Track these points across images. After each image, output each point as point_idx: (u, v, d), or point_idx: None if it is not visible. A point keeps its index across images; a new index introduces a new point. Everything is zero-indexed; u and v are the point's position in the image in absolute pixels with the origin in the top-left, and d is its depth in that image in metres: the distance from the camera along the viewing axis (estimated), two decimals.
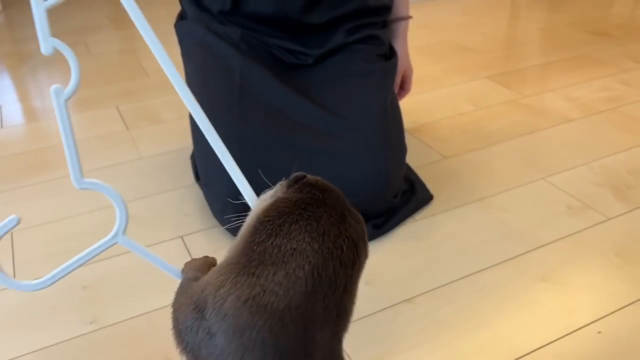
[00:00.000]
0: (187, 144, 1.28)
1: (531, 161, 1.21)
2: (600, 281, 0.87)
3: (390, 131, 1.01)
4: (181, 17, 1.19)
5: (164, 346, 0.77)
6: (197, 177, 1.14)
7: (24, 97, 1.58)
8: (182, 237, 0.99)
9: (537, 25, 2.16)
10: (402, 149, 1.04)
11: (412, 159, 1.16)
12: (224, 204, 0.96)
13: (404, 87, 1.23)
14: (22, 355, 0.76)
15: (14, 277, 0.88)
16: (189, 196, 1.11)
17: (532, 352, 0.75)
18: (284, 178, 0.51)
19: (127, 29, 2.18)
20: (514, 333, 0.78)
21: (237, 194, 0.59)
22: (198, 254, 0.94)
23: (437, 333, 0.79)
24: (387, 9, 1.11)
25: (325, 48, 1.06)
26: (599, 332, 0.78)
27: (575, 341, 0.77)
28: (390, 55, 1.12)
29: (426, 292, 0.86)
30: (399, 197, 1.02)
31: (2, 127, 1.41)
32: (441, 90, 1.58)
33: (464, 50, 1.88)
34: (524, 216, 1.03)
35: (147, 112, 1.47)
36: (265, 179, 0.57)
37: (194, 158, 1.16)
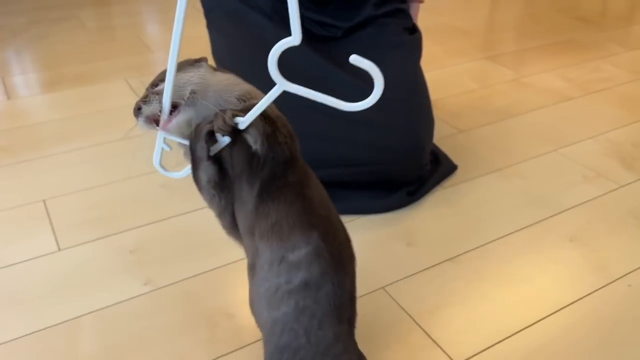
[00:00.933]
0: None
1: (542, 135, 1.27)
2: (623, 240, 0.94)
3: (421, 101, 1.05)
4: None
5: (222, 304, 0.79)
6: None
7: (24, 70, 1.54)
8: None
9: (525, 10, 2.23)
10: (431, 118, 1.07)
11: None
12: None
13: None
14: (82, 316, 0.77)
15: (57, 245, 0.88)
16: None
17: (571, 303, 0.81)
18: None
19: (117, 5, 2.14)
20: (553, 287, 0.84)
21: None
22: None
23: (483, 288, 0.84)
24: (401, 10, 1.13)
25: (354, 21, 1.08)
26: (629, 285, 0.84)
27: (608, 294, 0.83)
28: (414, 29, 1.15)
29: (466, 252, 0.91)
30: (429, 167, 1.07)
31: (8, 98, 1.38)
32: (445, 69, 1.63)
33: (460, 32, 1.94)
34: (543, 184, 1.09)
35: None
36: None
37: None
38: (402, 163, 0.98)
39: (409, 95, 1.02)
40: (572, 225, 0.98)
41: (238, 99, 0.55)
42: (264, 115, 0.52)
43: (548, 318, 0.78)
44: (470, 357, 0.72)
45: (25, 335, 0.74)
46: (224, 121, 0.51)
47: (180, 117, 0.54)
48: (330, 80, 1.01)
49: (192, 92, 0.54)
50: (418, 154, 1.00)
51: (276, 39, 0.94)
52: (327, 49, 1.07)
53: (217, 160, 0.55)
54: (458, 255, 0.90)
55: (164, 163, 0.60)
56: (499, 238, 0.94)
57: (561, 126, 1.31)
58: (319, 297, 0.55)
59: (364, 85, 1.04)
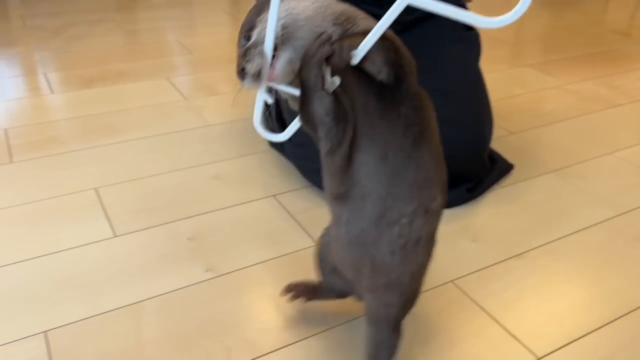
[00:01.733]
0: (249, 112, 1.28)
1: (594, 138, 1.24)
2: None
3: (482, 97, 1.03)
4: None
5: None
6: (284, 143, 1.14)
7: (65, 67, 1.54)
8: (274, 195, 0.98)
9: (560, 23, 2.22)
10: (491, 115, 1.05)
11: None
12: (317, 162, 0.95)
13: None
14: (145, 300, 0.74)
15: (113, 231, 0.86)
16: (270, 160, 1.10)
17: None
18: None
19: (153, 10, 2.16)
20: (626, 286, 0.81)
21: None
22: (295, 211, 0.94)
23: (556, 284, 0.80)
24: None
25: (413, 15, 1.07)
26: None
27: None
28: (471, 28, 1.13)
29: (533, 248, 0.88)
30: (487, 164, 1.04)
31: (52, 92, 1.37)
32: (487, 75, 1.61)
33: (498, 41, 1.92)
34: (603, 184, 1.06)
35: (201, 84, 1.46)
36: None
37: (278, 119, 1.15)
38: (464, 157, 0.95)
39: (472, 90, 1.01)
40: (638, 226, 0.94)
41: (334, 24, 0.50)
42: (382, 38, 0.47)
43: (627, 316, 0.75)
44: (552, 352, 0.69)
45: (88, 317, 0.71)
46: (342, 56, 0.47)
47: (281, 60, 0.50)
48: None
49: (284, 27, 0.50)
50: (480, 149, 0.98)
51: None
52: None
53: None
54: (525, 252, 0.87)
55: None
56: (565, 236, 0.91)
57: (613, 130, 1.29)
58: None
59: (425, 80, 1.03)
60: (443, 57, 1.02)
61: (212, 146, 1.14)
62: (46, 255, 0.82)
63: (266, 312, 0.73)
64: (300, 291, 0.72)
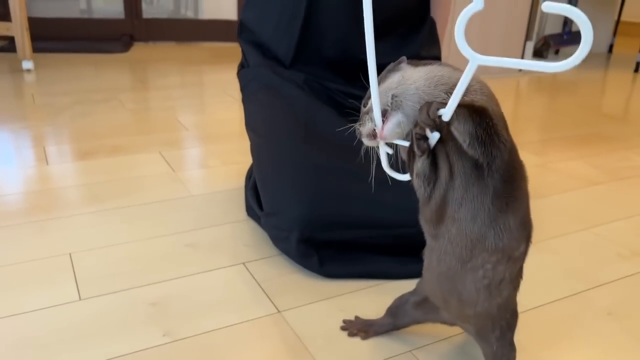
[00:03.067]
0: (236, 185, 1.31)
1: (572, 214, 1.25)
2: None
3: None
4: (242, 66, 1.27)
5: (241, 358, 0.76)
6: (249, 210, 1.16)
7: (64, 141, 1.61)
8: (243, 263, 0.99)
9: (548, 106, 2.29)
10: None
11: None
12: (286, 230, 0.97)
13: None
14: None
15: (79, 294, 0.87)
16: (245, 229, 1.12)
17: None
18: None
19: (157, 90, 2.27)
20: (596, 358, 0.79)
21: (306, 220, 0.70)
22: (263, 279, 0.94)
23: (522, 357, 0.78)
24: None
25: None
26: None
27: None
28: None
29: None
30: None
31: (47, 164, 1.43)
32: None
33: None
34: (577, 259, 1.06)
35: (191, 158, 1.51)
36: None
37: (248, 191, 1.18)
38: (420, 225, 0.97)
39: None
40: (610, 299, 0.93)
41: (445, 92, 0.57)
42: (468, 107, 0.53)
43: None
44: None
45: None
46: (428, 114, 0.53)
47: (390, 124, 0.60)
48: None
49: (394, 97, 0.60)
50: None
51: (308, 108, 1.03)
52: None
53: (435, 155, 0.58)
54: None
55: None
56: (534, 308, 0.90)
57: (592, 208, 1.29)
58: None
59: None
60: None
61: (192, 215, 1.17)
62: (9, 316, 0.83)
63: None
64: (358, 327, 0.81)
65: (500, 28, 2.76)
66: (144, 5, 3.38)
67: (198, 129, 1.78)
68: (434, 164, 0.58)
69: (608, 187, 1.42)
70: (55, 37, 3.17)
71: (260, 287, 0.93)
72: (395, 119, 0.60)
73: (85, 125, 1.76)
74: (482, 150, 0.54)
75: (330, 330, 0.83)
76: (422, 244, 0.98)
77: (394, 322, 0.79)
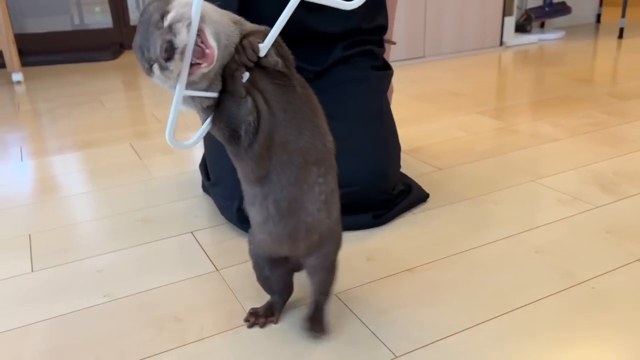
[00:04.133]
0: (195, 167, 1.37)
1: (521, 169, 1.27)
2: (592, 250, 0.91)
3: (385, 129, 1.09)
4: None
5: (175, 310, 0.81)
6: (203, 186, 1.21)
7: (40, 140, 1.68)
8: (192, 232, 1.04)
9: (525, 75, 2.30)
10: (397, 146, 1.11)
11: (408, 171, 1.23)
12: (229, 199, 1.02)
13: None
14: (38, 322, 0.79)
15: (32, 269, 0.93)
16: (199, 204, 1.17)
17: (528, 304, 0.78)
18: None
19: (139, 90, 2.34)
20: (509, 290, 0.81)
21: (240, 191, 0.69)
22: (207, 244, 0.99)
23: (433, 293, 0.82)
24: (384, 27, 1.20)
25: (325, 65, 1.15)
26: (593, 288, 0.81)
27: (572, 295, 0.80)
28: (384, 68, 1.20)
29: (425, 264, 0.90)
30: (397, 194, 1.08)
31: (22, 160, 1.50)
32: (435, 123, 1.68)
33: (456, 95, 2.01)
34: (516, 207, 1.08)
35: (158, 147, 1.56)
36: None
37: (203, 165, 1.23)
38: (366, 185, 1.00)
39: (372, 123, 1.07)
40: (541, 239, 0.96)
41: (233, 22, 0.59)
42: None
43: (497, 318, 0.76)
44: (411, 351, 0.70)
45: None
46: (252, 49, 0.56)
47: (209, 35, 0.53)
48: None
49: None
50: (381, 176, 1.03)
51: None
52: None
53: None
54: (416, 267, 0.89)
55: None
56: (461, 252, 0.93)
57: (544, 162, 1.32)
58: None
59: (330, 120, 1.08)
60: (346, 95, 1.09)
61: (150, 195, 1.22)
62: None
63: (148, 328, 0.77)
64: (261, 315, 0.77)
65: (476, 5, 2.78)
66: (131, 14, 3.47)
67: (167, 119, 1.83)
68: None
69: (564, 143, 1.44)
70: (48, 50, 3.27)
71: (204, 250, 0.97)
72: (209, 30, 0.54)
73: (63, 126, 1.83)
74: (287, 64, 0.60)
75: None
76: (361, 203, 1.02)
77: (278, 297, 0.78)
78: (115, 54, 3.23)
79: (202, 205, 1.16)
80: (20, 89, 2.46)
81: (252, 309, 0.78)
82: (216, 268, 0.92)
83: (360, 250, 0.95)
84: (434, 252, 0.93)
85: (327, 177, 0.63)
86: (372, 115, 1.09)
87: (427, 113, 1.77)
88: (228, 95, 0.58)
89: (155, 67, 0.55)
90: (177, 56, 0.52)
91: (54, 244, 1.03)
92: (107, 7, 3.48)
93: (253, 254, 0.74)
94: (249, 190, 0.65)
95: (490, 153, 1.38)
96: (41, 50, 3.26)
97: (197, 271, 0.91)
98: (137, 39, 0.56)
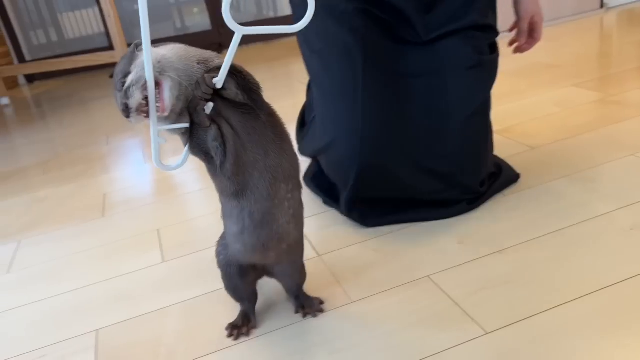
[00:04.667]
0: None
1: (621, 142, 1.24)
2: None
3: (488, 121, 1.09)
4: None
5: (284, 292, 0.91)
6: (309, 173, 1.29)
7: None
8: None
9: (629, 39, 2.17)
10: (492, 135, 1.12)
11: (499, 152, 1.24)
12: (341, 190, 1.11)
13: (533, 36, 1.16)
14: (171, 305, 0.93)
15: (163, 260, 1.07)
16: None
17: (621, 281, 0.79)
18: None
19: None
20: (604, 269, 0.83)
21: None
22: (309, 232, 1.08)
23: (523, 272, 0.85)
24: (493, 29, 1.09)
25: (441, 30, 1.03)
26: None
27: None
28: (494, 49, 1.10)
29: (516, 244, 0.93)
30: (487, 180, 1.10)
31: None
32: (528, 99, 1.65)
33: (552, 68, 1.95)
34: (613, 183, 1.07)
35: None
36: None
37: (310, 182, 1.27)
38: (464, 176, 1.04)
39: (478, 115, 1.05)
40: (637, 216, 0.95)
41: (198, 62, 0.65)
42: (231, 71, 0.64)
43: (590, 295, 0.78)
44: (501, 328, 0.75)
45: (132, 318, 0.92)
46: (207, 84, 0.63)
47: (166, 89, 0.62)
48: (414, 87, 1.03)
49: (158, 62, 0.62)
50: (476, 176, 1.06)
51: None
52: (409, 53, 1.04)
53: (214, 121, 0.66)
54: (506, 249, 0.92)
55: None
56: (554, 231, 0.95)
57: None
58: None
59: (437, 100, 1.01)
60: (457, 81, 1.02)
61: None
62: (114, 278, 1.06)
63: (264, 307, 0.88)
64: (241, 325, 0.84)
65: None
66: None
67: None
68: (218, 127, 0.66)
69: None
70: None
71: (306, 238, 1.07)
72: (167, 83, 0.62)
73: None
74: (249, 95, 0.66)
75: (359, 266, 0.95)
76: (455, 198, 1.04)
77: (248, 303, 0.85)
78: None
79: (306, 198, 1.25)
80: None
81: (229, 324, 0.85)
82: (318, 254, 1.01)
83: (451, 235, 1.00)
84: (525, 233, 0.96)
85: (295, 193, 0.72)
86: (479, 105, 1.05)
87: (520, 89, 1.75)
88: (196, 125, 0.66)
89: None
90: (132, 114, 0.63)
91: (179, 237, 1.18)
92: (204, 7, 3.70)
93: (223, 264, 0.81)
94: (226, 204, 0.73)
95: (587, 128, 1.35)
96: None
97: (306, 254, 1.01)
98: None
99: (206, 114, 0.65)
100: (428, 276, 0.89)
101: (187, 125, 0.67)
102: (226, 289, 0.84)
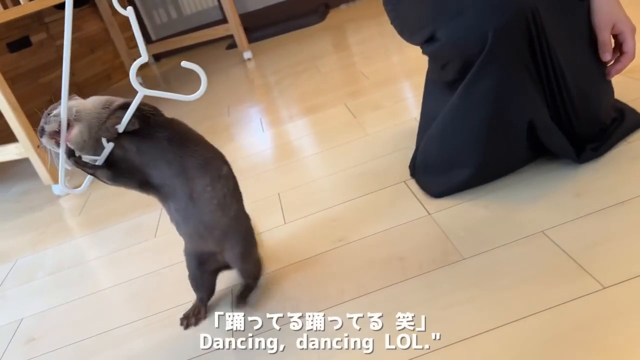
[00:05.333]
0: (404, 119, 1.49)
1: None
2: None
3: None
4: None
5: (397, 250, 0.96)
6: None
7: (274, 111, 1.99)
8: (404, 181, 1.18)
9: None
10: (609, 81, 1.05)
11: (621, 95, 1.16)
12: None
13: (622, 50, 0.99)
14: (291, 264, 1.02)
15: (284, 221, 1.16)
16: (407, 156, 1.29)
17: None
18: None
19: (347, 50, 2.53)
20: None
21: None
22: (418, 192, 1.11)
23: None
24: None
25: None
26: None
27: None
28: None
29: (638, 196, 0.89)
30: (610, 124, 1.05)
31: (263, 131, 1.81)
32: None
33: None
34: None
35: (369, 104, 1.73)
36: None
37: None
38: (584, 118, 1.00)
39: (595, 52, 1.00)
40: None
41: (103, 108, 0.81)
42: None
43: None
44: (619, 283, 0.73)
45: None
46: (109, 132, 0.79)
47: (75, 130, 0.78)
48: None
49: (77, 112, 0.79)
50: (598, 109, 1.01)
51: None
52: None
53: (109, 161, 0.81)
54: (627, 200, 0.88)
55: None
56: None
57: None
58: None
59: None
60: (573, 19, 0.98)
61: (365, 150, 1.39)
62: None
63: (377, 265, 0.94)
64: (191, 316, 0.96)
65: None
66: None
67: (376, 76, 1.98)
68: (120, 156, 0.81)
69: None
70: (265, 24, 3.68)
71: (416, 197, 1.10)
72: (78, 127, 0.78)
73: (290, 95, 2.12)
74: (145, 122, 0.80)
75: (469, 223, 0.97)
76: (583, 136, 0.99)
77: (202, 294, 0.96)
78: (322, 16, 3.48)
79: (410, 157, 1.28)
80: (251, 65, 2.85)
81: (182, 315, 0.96)
82: (428, 212, 1.04)
83: (568, 187, 0.97)
84: None
85: (216, 184, 0.83)
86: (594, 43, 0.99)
87: None
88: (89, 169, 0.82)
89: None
90: (44, 137, 0.80)
91: (298, 199, 1.27)
92: None
93: (185, 255, 0.94)
94: (164, 207, 0.88)
95: None
96: (260, 25, 3.68)
97: (412, 216, 1.04)
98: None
99: (107, 154, 0.81)
100: (542, 231, 0.88)
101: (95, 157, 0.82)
102: (188, 278, 0.96)
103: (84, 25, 3.31)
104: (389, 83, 1.84)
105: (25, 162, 1.84)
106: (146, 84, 3.17)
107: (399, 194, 1.14)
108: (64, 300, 1.16)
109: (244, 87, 2.47)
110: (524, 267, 0.83)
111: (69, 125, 0.79)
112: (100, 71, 3.35)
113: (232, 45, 3.30)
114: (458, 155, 1.05)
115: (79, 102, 0.82)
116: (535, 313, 0.74)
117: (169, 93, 0.80)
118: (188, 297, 0.99)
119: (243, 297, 0.94)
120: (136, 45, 3.49)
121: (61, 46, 3.14)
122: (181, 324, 0.96)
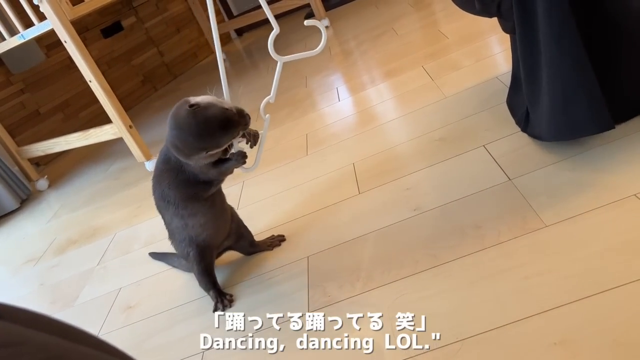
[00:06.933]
0: (486, 77, 1.41)
1: None
2: None
3: None
4: None
5: (474, 218, 0.92)
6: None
7: (350, 79, 1.96)
8: (484, 145, 1.12)
9: None
10: None
11: None
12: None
13: None
14: (368, 233, 1.02)
15: (359, 192, 1.15)
16: (488, 117, 1.23)
17: None
18: None
19: (427, 8, 2.43)
20: None
21: None
22: (498, 155, 1.06)
23: None
24: None
25: None
26: None
27: None
28: None
29: None
30: None
31: (339, 100, 1.79)
32: None
33: None
34: None
35: (448, 64, 1.65)
36: None
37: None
38: None
39: None
40: None
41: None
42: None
43: None
44: None
45: (337, 244, 1.03)
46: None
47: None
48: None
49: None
50: None
51: None
52: None
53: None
54: None
55: None
56: None
57: None
58: None
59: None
60: None
61: (443, 114, 1.34)
62: (316, 211, 1.18)
63: (453, 235, 0.91)
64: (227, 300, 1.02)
65: None
66: None
67: (456, 34, 1.88)
68: None
69: None
70: None
71: (496, 162, 1.05)
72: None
73: (368, 60, 2.08)
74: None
75: (553, 188, 0.91)
76: None
77: (215, 282, 1.04)
78: None
79: (491, 118, 1.21)
80: (328, 33, 2.82)
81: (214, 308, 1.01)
82: (509, 177, 0.99)
83: None
84: None
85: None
86: None
87: None
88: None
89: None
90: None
91: (372, 169, 1.25)
92: None
93: (195, 256, 1.03)
94: (195, 206, 0.99)
95: None
96: None
97: (491, 182, 1.00)
98: None
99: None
100: (635, 194, 0.81)
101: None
102: (202, 276, 1.03)
103: (169, 6, 3.43)
104: (471, 41, 1.75)
105: (119, 142, 1.96)
106: (230, 58, 3.25)
107: (479, 159, 1.09)
108: (157, 270, 1.24)
109: (321, 56, 2.45)
110: (613, 234, 0.76)
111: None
112: (186, 50, 3.47)
113: (310, 15, 3.28)
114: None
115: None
116: (624, 284, 0.68)
117: (299, 54, 0.99)
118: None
119: (264, 242, 1.13)
120: (220, 22, 3.57)
121: (149, 28, 3.30)
122: (215, 309, 1.01)
